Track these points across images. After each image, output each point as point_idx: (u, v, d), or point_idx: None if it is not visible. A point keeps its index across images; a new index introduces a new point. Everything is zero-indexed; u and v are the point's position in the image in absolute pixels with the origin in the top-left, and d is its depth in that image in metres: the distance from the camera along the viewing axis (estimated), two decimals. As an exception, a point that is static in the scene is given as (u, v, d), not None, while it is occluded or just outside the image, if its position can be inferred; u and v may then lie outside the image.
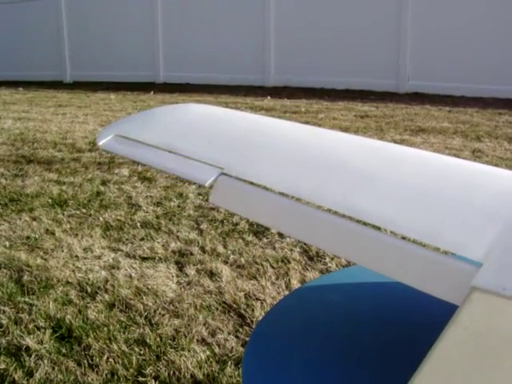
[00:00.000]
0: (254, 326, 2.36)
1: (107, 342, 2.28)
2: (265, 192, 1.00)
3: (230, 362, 2.14)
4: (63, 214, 3.77)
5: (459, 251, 0.76)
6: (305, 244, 3.11)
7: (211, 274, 2.86)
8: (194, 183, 4.01)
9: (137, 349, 2.23)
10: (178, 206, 3.88)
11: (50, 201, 4.05)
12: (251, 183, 0.99)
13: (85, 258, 3.08)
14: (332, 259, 2.97)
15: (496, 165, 4.69)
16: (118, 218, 3.68)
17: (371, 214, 0.88)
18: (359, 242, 0.89)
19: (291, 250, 3.10)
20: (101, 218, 3.67)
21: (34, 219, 3.69)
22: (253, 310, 2.50)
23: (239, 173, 1.01)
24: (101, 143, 1.24)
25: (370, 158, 1.04)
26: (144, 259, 3.06)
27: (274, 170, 1.03)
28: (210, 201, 1.04)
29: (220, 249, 3.16)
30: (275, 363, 1.07)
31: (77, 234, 3.42)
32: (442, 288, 0.78)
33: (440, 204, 0.87)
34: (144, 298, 2.63)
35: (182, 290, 2.71)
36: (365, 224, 0.89)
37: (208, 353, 2.20)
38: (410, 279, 0.82)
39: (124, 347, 2.24)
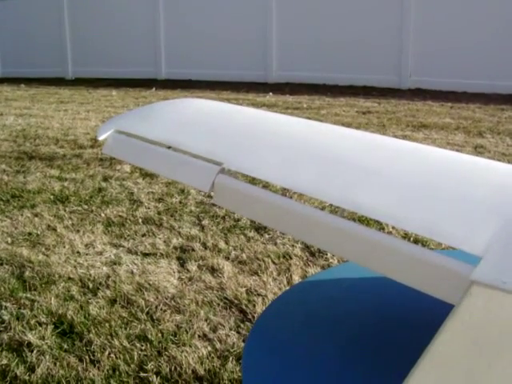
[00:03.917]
0: (255, 322, 2.36)
1: (109, 337, 2.28)
2: (267, 193, 1.00)
3: (231, 358, 2.14)
4: (65, 210, 3.77)
5: (459, 245, 0.76)
6: (306, 240, 3.10)
7: (213, 270, 2.86)
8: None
9: (138, 344, 2.23)
10: (180, 202, 3.88)
11: (51, 197, 4.05)
12: (253, 179, 0.99)
13: (86, 254, 3.08)
14: (333, 255, 2.97)
15: (498, 161, 4.68)
16: (120, 214, 3.68)
17: (371, 208, 0.88)
18: (358, 242, 0.89)
19: (293, 245, 3.10)
20: (102, 214, 3.67)
21: (36, 215, 3.69)
22: (254, 306, 2.50)
23: (239, 167, 1.01)
24: (101, 138, 1.24)
25: (370, 152, 1.04)
26: (145, 255, 3.06)
27: (274, 164, 1.03)
28: (213, 201, 1.04)
29: (221, 245, 3.16)
30: (275, 356, 1.07)
31: (78, 230, 3.42)
32: (440, 291, 0.78)
33: (440, 198, 0.86)
34: (145, 293, 2.63)
35: (184, 285, 2.72)
36: (365, 220, 0.89)
37: (209, 348, 2.21)
38: (409, 281, 0.82)
39: (125, 343, 2.24)
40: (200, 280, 2.76)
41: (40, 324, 2.39)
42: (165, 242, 3.22)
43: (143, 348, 2.21)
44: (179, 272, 2.86)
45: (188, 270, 2.87)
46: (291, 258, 2.95)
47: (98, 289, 2.69)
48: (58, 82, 11.92)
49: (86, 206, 3.84)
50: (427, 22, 9.13)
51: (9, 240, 3.29)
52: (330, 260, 2.92)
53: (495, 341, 0.64)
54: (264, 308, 2.46)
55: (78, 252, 3.11)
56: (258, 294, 2.61)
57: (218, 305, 2.53)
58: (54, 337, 2.30)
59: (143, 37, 11.88)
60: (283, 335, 1.15)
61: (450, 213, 0.83)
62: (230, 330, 2.33)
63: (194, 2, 11.27)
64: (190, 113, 1.32)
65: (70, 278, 2.80)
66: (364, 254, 0.88)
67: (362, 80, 9.62)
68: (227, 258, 2.99)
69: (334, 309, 1.25)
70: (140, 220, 3.57)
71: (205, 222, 3.49)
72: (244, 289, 2.66)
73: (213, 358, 2.15)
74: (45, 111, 7.99)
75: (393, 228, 3.08)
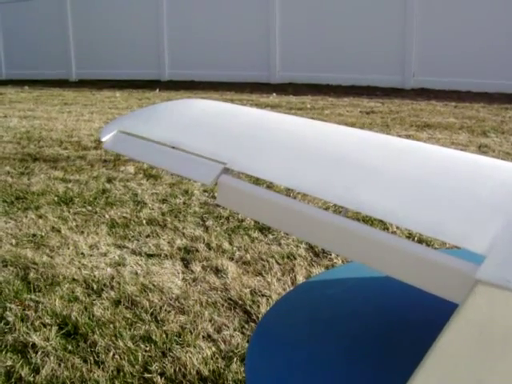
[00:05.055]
0: (259, 322, 2.35)
1: (113, 338, 2.28)
2: (271, 193, 1.00)
3: (235, 359, 2.13)
4: (69, 212, 3.78)
5: (463, 244, 0.76)
6: (310, 240, 3.10)
7: (217, 271, 2.86)
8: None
9: (142, 345, 2.23)
10: (184, 203, 3.88)
11: (55, 198, 4.06)
12: (256, 180, 0.99)
13: (91, 256, 3.09)
14: (338, 255, 2.96)
15: (502, 160, 4.67)
16: (124, 215, 3.68)
17: (375, 208, 0.87)
18: (362, 242, 0.89)
19: (297, 246, 3.09)
20: (106, 216, 3.68)
21: (40, 217, 3.69)
22: (258, 307, 2.50)
23: (242, 167, 1.01)
24: (104, 139, 1.24)
25: (373, 152, 1.04)
26: (150, 256, 3.06)
27: (277, 164, 1.03)
28: (216, 202, 1.05)
29: (226, 245, 3.16)
30: (278, 357, 1.07)
31: (83, 232, 3.43)
32: (445, 290, 0.78)
33: (443, 197, 0.86)
34: (150, 294, 2.63)
35: (188, 286, 2.71)
36: (369, 220, 0.89)
37: (214, 349, 2.20)
38: (414, 280, 0.82)
39: (130, 344, 2.24)
40: (204, 281, 2.76)
41: (44, 325, 2.39)
42: (169, 242, 3.22)
43: (147, 349, 2.21)
44: (183, 273, 2.86)
45: (192, 270, 2.87)
46: (295, 259, 2.95)
47: (103, 290, 2.69)
48: (62, 83, 11.95)
49: (90, 208, 3.85)
50: (430, 22, 9.11)
51: (13, 242, 3.30)
52: (334, 260, 2.92)
53: (500, 339, 0.64)
54: (268, 309, 2.46)
55: (82, 253, 3.12)
56: (263, 295, 2.60)
57: (223, 305, 2.53)
58: (58, 338, 2.30)
59: (146, 38, 11.90)
60: (287, 335, 1.15)
61: (454, 212, 0.83)
62: (235, 330, 2.33)
63: (197, 3, 11.28)
64: (193, 113, 1.32)
65: (74, 280, 2.80)
66: (368, 254, 0.88)
67: (365, 80, 9.61)
68: (231, 259, 2.99)
69: (337, 309, 1.25)
70: (144, 221, 3.57)
71: (209, 223, 3.49)
72: (248, 289, 2.65)
73: (217, 358, 2.15)
74: (49, 113, 8.00)
75: (397, 228, 3.08)
